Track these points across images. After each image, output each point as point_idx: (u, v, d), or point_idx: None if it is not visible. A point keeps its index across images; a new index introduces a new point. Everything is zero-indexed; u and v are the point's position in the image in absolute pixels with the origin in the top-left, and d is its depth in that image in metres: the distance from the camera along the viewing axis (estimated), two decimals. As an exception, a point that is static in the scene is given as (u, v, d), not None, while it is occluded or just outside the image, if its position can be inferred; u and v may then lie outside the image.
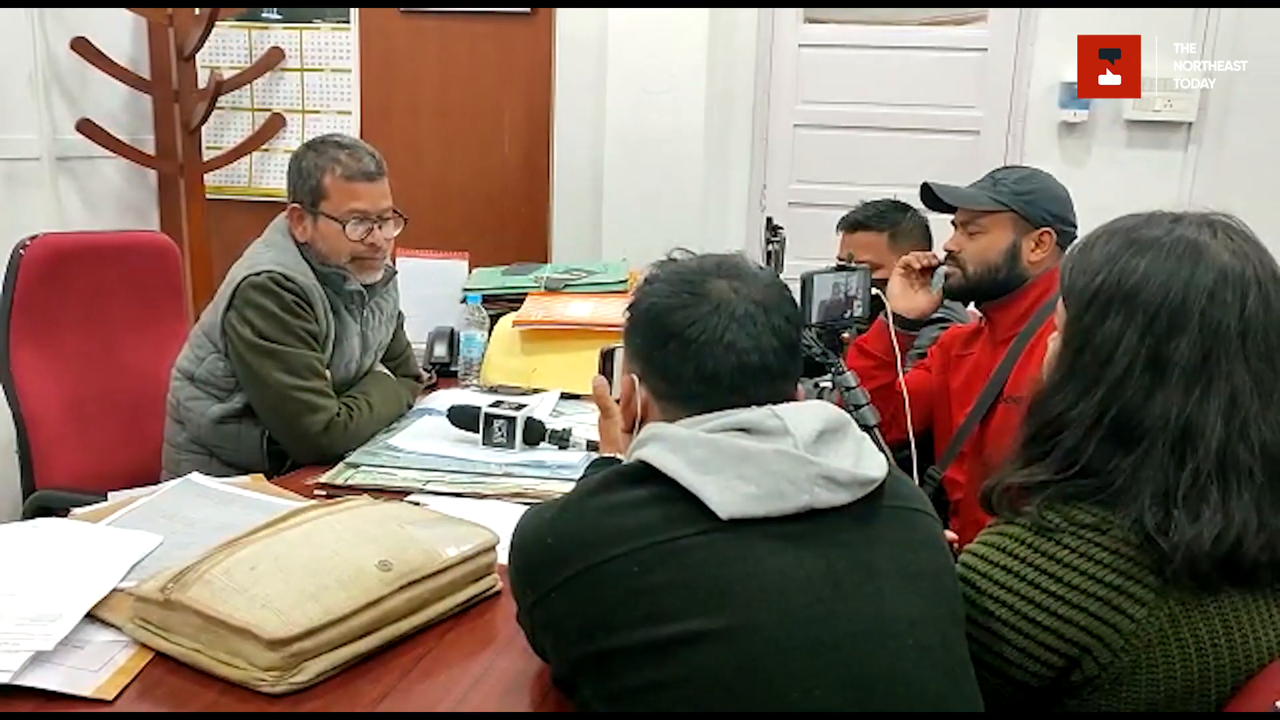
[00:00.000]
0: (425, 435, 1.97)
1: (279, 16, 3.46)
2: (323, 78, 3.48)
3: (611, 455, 1.22)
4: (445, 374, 2.53)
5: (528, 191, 3.44)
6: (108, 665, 1.10)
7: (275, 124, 3.49)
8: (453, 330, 2.59)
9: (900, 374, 1.99)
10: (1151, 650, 1.02)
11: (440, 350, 2.57)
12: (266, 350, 1.86)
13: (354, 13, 3.42)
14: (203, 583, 1.10)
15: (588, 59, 3.27)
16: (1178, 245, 1.07)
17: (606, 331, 2.25)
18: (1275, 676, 1.02)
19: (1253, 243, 1.09)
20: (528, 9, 3.30)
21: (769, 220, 2.23)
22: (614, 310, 2.11)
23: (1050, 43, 3.22)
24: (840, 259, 2.30)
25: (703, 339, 1.03)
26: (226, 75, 3.33)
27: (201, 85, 3.28)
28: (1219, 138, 3.16)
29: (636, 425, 1.11)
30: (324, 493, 1.69)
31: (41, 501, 1.90)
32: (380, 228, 1.99)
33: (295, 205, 1.98)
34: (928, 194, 2.08)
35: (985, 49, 3.32)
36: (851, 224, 2.54)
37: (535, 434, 1.90)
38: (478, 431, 1.91)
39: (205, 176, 3.36)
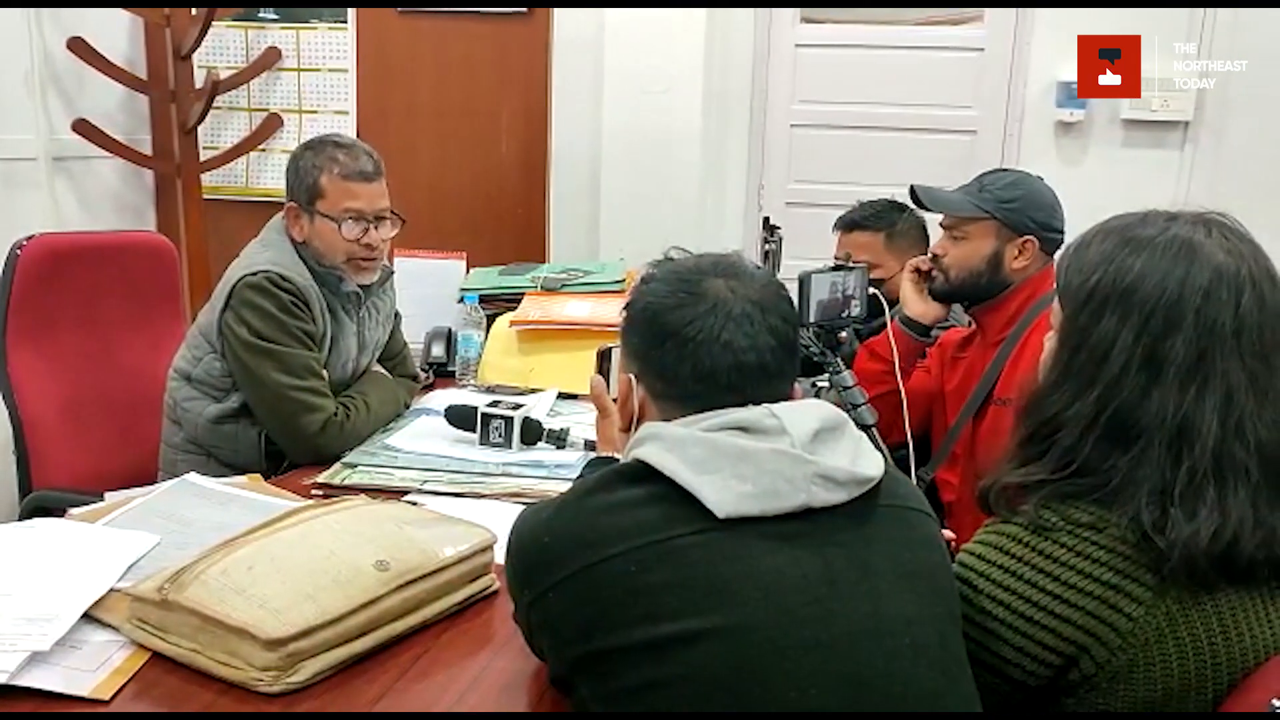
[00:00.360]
0: (422, 435, 1.97)
1: (276, 16, 3.45)
2: (320, 78, 3.48)
3: (609, 455, 1.22)
4: (442, 374, 2.53)
5: (525, 191, 3.44)
6: (105, 665, 1.10)
7: (272, 124, 3.48)
8: (450, 330, 2.59)
9: (900, 379, 1.99)
10: (1149, 649, 1.02)
11: (437, 350, 2.57)
12: (263, 350, 1.86)
13: (351, 13, 3.42)
14: (200, 583, 1.10)
15: (585, 59, 3.27)
16: (1173, 244, 1.07)
17: (604, 331, 2.25)
18: (1272, 674, 1.02)
19: (1248, 241, 1.10)
20: (524, 9, 3.30)
21: (766, 220, 2.24)
22: (611, 310, 2.11)
23: (1047, 42, 3.22)
24: (838, 258, 2.31)
25: (700, 338, 1.03)
26: (223, 75, 3.33)
27: (198, 85, 3.28)
28: (1215, 137, 3.17)
29: (634, 424, 1.10)
30: (321, 493, 1.69)
31: (38, 502, 1.90)
32: (376, 228, 1.99)
33: (292, 204, 1.98)
34: (915, 197, 2.08)
35: (982, 49, 3.33)
36: (848, 224, 2.55)
37: (532, 434, 1.90)
38: (475, 431, 1.91)
39: (202, 176, 3.35)
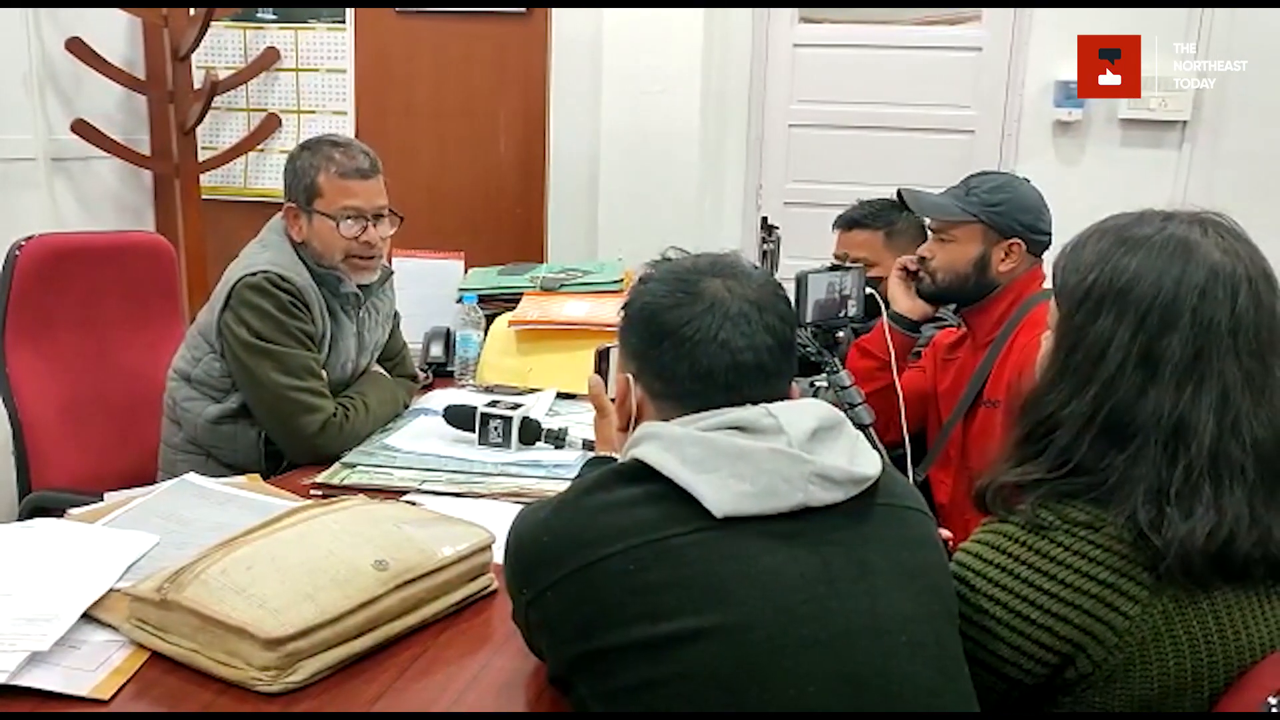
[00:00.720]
0: (421, 435, 1.97)
1: (274, 17, 3.45)
2: (318, 78, 3.48)
3: (607, 454, 1.22)
4: (441, 374, 2.53)
5: (523, 191, 3.44)
6: (104, 665, 1.10)
7: (271, 124, 3.48)
8: (449, 330, 2.59)
9: (896, 375, 2.00)
10: (1145, 647, 1.03)
11: (436, 350, 2.58)
12: (262, 350, 1.86)
13: (349, 13, 3.42)
14: (199, 583, 1.10)
15: (583, 59, 3.27)
16: (1169, 243, 1.07)
17: (602, 331, 2.25)
18: (1267, 673, 1.02)
19: (1243, 241, 1.10)
20: (523, 9, 3.30)
21: (764, 220, 2.24)
22: (610, 310, 2.11)
23: (1045, 42, 3.22)
24: (837, 257, 2.31)
25: (697, 338, 1.04)
26: (222, 75, 3.33)
27: (197, 86, 3.28)
28: (1213, 137, 3.17)
29: (632, 424, 1.11)
30: (320, 493, 1.69)
31: (38, 502, 1.90)
32: (375, 226, 1.99)
33: (291, 204, 1.98)
34: (902, 200, 2.09)
35: (980, 48, 3.33)
36: (847, 223, 2.55)
37: (531, 433, 1.90)
38: (474, 431, 1.91)
39: (201, 177, 3.36)
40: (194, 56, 3.28)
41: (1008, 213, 1.98)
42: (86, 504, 1.51)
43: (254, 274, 1.89)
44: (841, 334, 1.90)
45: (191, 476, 1.63)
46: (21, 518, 1.87)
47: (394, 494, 1.67)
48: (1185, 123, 3.17)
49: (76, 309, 2.11)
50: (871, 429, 1.76)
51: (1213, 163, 3.16)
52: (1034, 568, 1.06)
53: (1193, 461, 1.03)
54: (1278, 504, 1.04)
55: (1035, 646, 1.06)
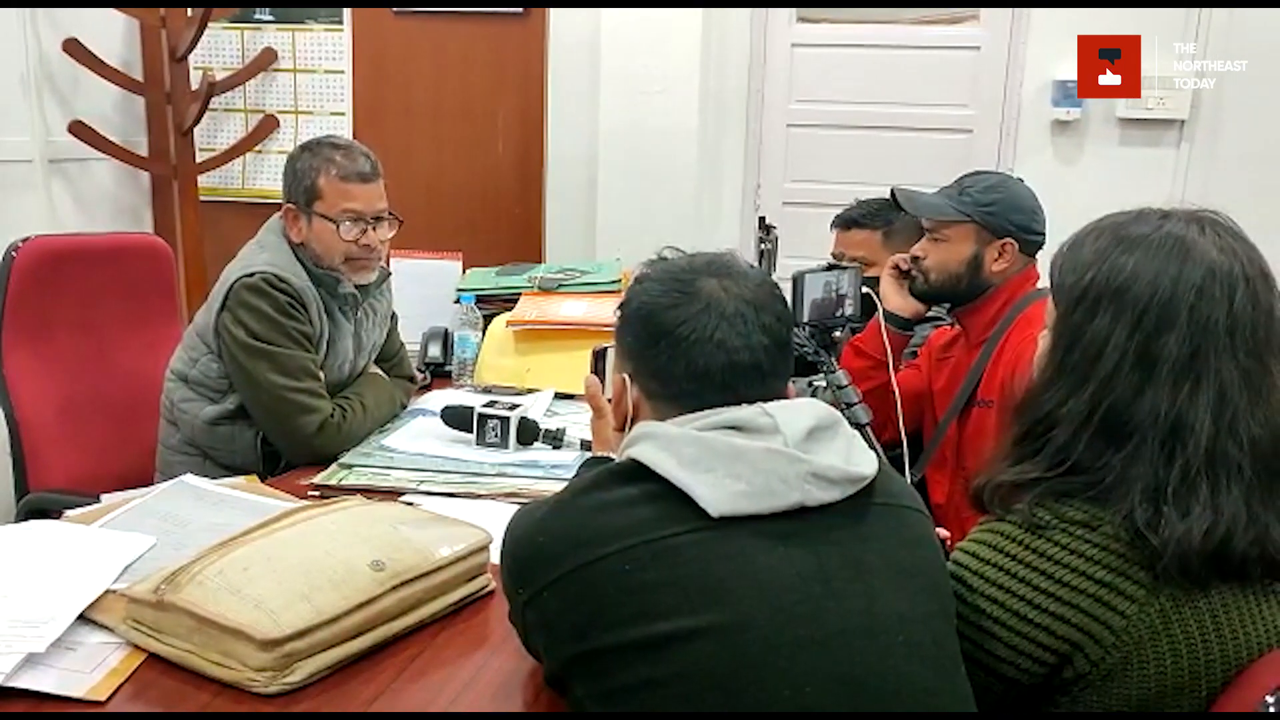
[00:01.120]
0: (419, 436, 1.97)
1: (272, 17, 3.45)
2: (316, 79, 3.48)
3: (604, 454, 1.22)
4: (439, 374, 2.53)
5: (521, 192, 3.44)
6: (101, 667, 1.10)
7: (268, 125, 3.48)
8: (447, 331, 2.59)
9: (893, 374, 2.00)
10: (1143, 647, 1.03)
11: (434, 351, 2.57)
12: (260, 351, 1.86)
13: (346, 13, 3.42)
14: (196, 584, 1.10)
15: (581, 59, 3.27)
16: (1166, 242, 1.07)
17: (600, 331, 2.25)
18: (1265, 672, 1.02)
19: (1241, 239, 1.10)
20: (520, 9, 3.31)
21: (762, 220, 2.24)
22: (608, 310, 2.09)
23: (1043, 41, 3.23)
24: (835, 256, 2.31)
25: (693, 337, 1.04)
26: (219, 76, 3.33)
27: (194, 87, 3.28)
28: (1211, 136, 3.17)
29: (628, 424, 1.11)
30: (318, 493, 1.69)
31: (35, 504, 1.90)
32: (374, 228, 1.99)
33: (290, 206, 1.98)
34: (895, 200, 2.09)
35: (978, 47, 3.33)
36: (846, 222, 2.55)
37: (529, 434, 1.90)
38: (472, 432, 1.91)
39: (198, 178, 3.36)
40: (191, 57, 3.28)
41: (1001, 213, 1.98)
42: (84, 505, 1.51)
43: (251, 275, 1.88)
44: (838, 334, 1.90)
45: (189, 477, 1.62)
46: (19, 519, 1.87)
47: (392, 495, 1.67)
48: (1183, 122, 3.17)
49: (74, 310, 2.11)
50: (868, 428, 1.76)
51: (1211, 162, 3.17)
52: (1031, 567, 1.06)
53: (1190, 460, 1.02)
54: (1275, 503, 1.04)
55: (1032, 646, 1.06)
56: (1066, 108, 3.21)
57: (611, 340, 1.18)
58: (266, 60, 3.45)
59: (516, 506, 1.13)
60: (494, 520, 1.33)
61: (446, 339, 2.58)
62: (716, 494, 0.95)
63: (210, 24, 3.21)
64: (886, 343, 2.02)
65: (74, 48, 3.06)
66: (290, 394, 1.86)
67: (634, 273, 1.17)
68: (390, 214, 2.03)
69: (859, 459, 1.02)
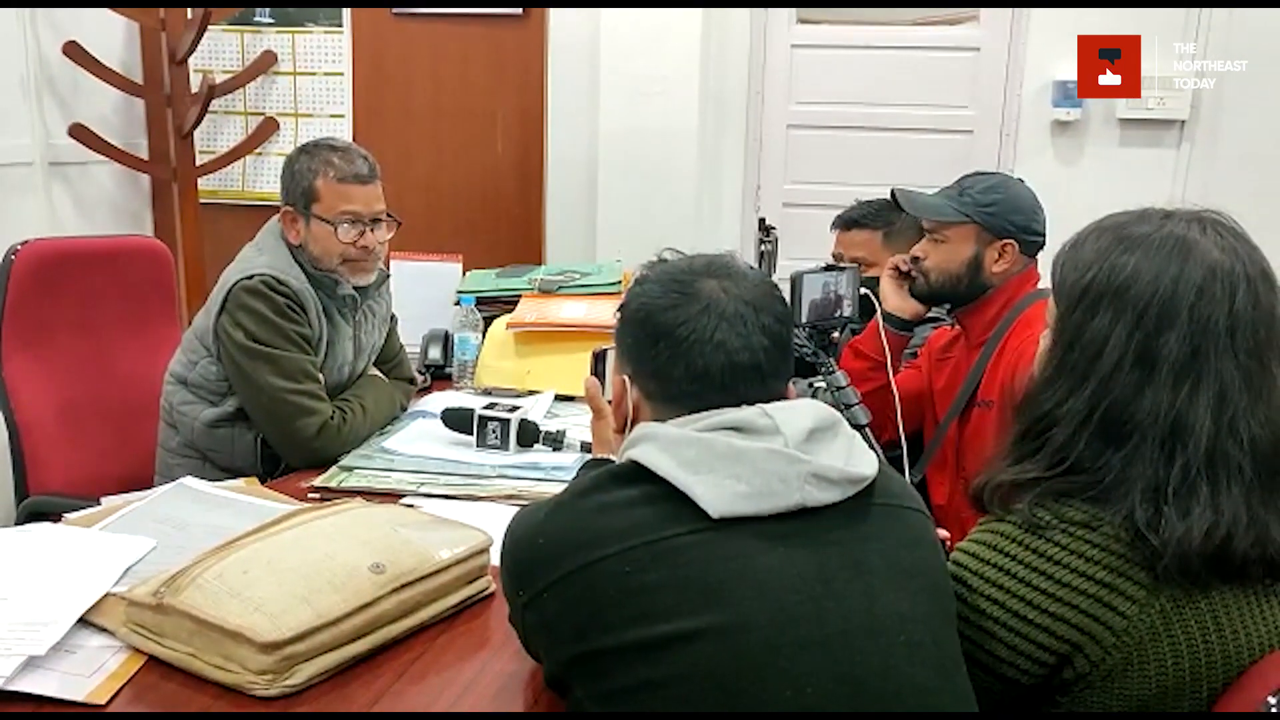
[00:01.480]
0: (419, 438, 1.97)
1: (271, 20, 3.45)
2: (315, 81, 3.48)
3: (604, 456, 1.22)
4: (439, 376, 2.53)
5: (521, 193, 3.44)
6: (100, 670, 1.10)
7: (268, 128, 3.48)
8: (447, 333, 2.59)
9: (891, 375, 2.00)
10: (1143, 647, 1.02)
11: (434, 353, 2.57)
12: (259, 354, 1.86)
13: (346, 15, 3.42)
14: (195, 586, 1.10)
15: (580, 60, 3.27)
16: (1167, 242, 1.07)
17: (601, 333, 2.25)
18: (1266, 672, 1.02)
19: (1242, 239, 1.10)
20: (520, 10, 3.30)
21: (761, 221, 2.23)
22: (608, 312, 2.10)
23: (1043, 41, 3.22)
24: (835, 256, 2.30)
25: (693, 338, 1.04)
26: (219, 79, 3.33)
27: (194, 89, 3.28)
28: (1211, 136, 3.17)
29: (628, 425, 1.11)
30: (318, 496, 1.68)
31: (35, 507, 1.90)
32: (373, 230, 1.99)
33: (288, 208, 1.98)
34: (895, 200, 2.09)
35: (978, 48, 3.33)
36: (846, 222, 2.55)
37: (529, 436, 1.90)
38: (472, 434, 1.91)
39: (198, 181, 3.36)
40: (191, 60, 3.28)
41: (1000, 213, 1.98)
42: (83, 508, 1.51)
43: (250, 277, 1.88)
44: (837, 334, 1.90)
45: (188, 480, 1.63)
46: (18, 522, 1.88)
47: (392, 497, 1.67)
48: (1184, 122, 3.17)
49: (74, 313, 2.11)
50: (868, 429, 1.76)
51: (1211, 162, 3.16)
52: (1031, 567, 1.06)
53: (1190, 460, 1.02)
54: (1275, 503, 1.04)
55: (1033, 646, 1.06)
56: (1066, 108, 3.20)
57: (611, 342, 1.17)
58: (266, 63, 3.45)
59: (517, 508, 1.13)
60: (494, 522, 1.33)
61: (446, 341, 2.58)
62: (717, 495, 0.95)
63: (210, 26, 3.21)
64: (885, 344, 2.01)
65: (74, 50, 3.06)
66: (290, 396, 1.86)
67: (634, 274, 1.17)
68: (388, 215, 2.03)
69: (859, 460, 1.02)
